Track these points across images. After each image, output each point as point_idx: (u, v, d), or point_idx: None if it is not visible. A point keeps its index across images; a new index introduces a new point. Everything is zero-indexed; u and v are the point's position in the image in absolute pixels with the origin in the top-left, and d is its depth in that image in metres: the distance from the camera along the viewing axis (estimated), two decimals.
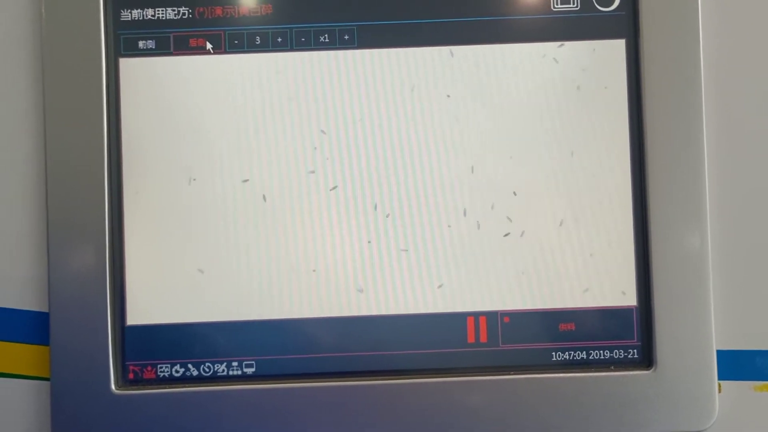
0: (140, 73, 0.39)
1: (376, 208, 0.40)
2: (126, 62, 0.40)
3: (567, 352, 0.40)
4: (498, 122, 0.40)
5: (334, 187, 0.40)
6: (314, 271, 0.39)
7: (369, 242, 0.39)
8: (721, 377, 0.40)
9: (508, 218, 0.40)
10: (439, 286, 0.39)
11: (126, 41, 0.40)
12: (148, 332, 0.39)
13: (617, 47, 0.40)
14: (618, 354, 0.40)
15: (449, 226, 0.40)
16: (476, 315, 0.40)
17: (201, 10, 0.40)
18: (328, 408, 0.39)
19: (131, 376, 0.39)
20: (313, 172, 0.40)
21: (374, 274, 0.39)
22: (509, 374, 0.39)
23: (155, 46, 0.40)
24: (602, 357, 0.40)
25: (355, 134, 0.40)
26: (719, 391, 0.40)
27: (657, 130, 0.39)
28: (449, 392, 0.39)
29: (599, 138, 0.40)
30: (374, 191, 0.40)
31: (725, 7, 0.41)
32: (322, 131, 0.40)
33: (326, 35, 0.40)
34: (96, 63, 0.39)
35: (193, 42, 0.40)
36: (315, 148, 0.40)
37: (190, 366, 0.39)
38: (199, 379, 0.39)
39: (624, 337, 0.40)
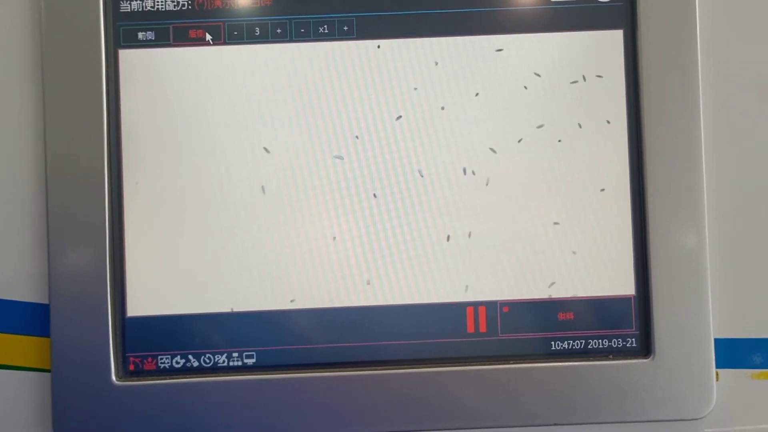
0: (140, 65, 0.39)
1: (376, 198, 0.40)
2: (125, 54, 0.40)
3: (566, 342, 0.40)
4: (496, 114, 0.40)
5: (332, 178, 0.40)
6: (315, 262, 0.39)
7: (369, 233, 0.40)
8: (718, 365, 0.40)
9: (507, 210, 0.40)
10: (439, 276, 0.40)
11: (125, 33, 0.40)
12: (149, 323, 0.39)
13: (615, 38, 0.40)
14: (616, 343, 0.40)
15: (448, 218, 0.40)
16: (475, 305, 0.40)
17: (200, 1, 0.40)
18: (329, 398, 0.39)
19: (132, 367, 0.39)
20: (313, 163, 0.40)
21: (374, 264, 0.40)
22: (508, 364, 0.39)
23: (155, 37, 0.40)
24: (601, 346, 0.40)
25: (357, 125, 0.40)
26: (717, 379, 0.40)
27: (655, 121, 0.39)
28: (448, 382, 0.39)
29: (597, 129, 0.40)
30: (375, 183, 0.40)
31: None
32: (322, 123, 0.40)
33: (325, 26, 0.40)
34: (95, 55, 0.39)
35: (192, 33, 0.40)
36: (314, 139, 0.40)
37: (190, 357, 0.39)
38: (200, 370, 0.39)
39: (622, 326, 0.40)
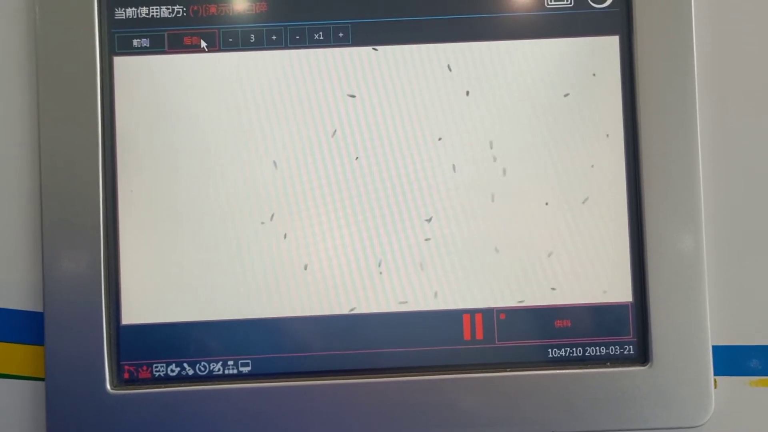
0: (135, 72, 0.39)
1: (372, 206, 0.40)
2: (120, 61, 0.39)
3: (563, 349, 0.40)
4: (493, 120, 0.40)
5: (332, 184, 0.40)
6: (310, 269, 0.39)
7: (371, 239, 0.39)
8: (716, 373, 0.40)
9: (504, 216, 0.40)
10: (435, 284, 0.40)
11: (120, 40, 0.40)
12: (144, 332, 0.39)
13: (611, 44, 0.40)
14: (614, 350, 0.40)
15: (445, 224, 0.40)
16: (472, 312, 0.40)
17: (195, 8, 0.40)
18: (325, 406, 0.39)
19: (126, 375, 0.39)
20: (309, 169, 0.40)
21: (371, 272, 0.39)
22: (505, 371, 0.39)
23: (150, 44, 0.40)
24: (598, 353, 0.40)
25: (351, 132, 0.40)
26: (715, 386, 0.40)
27: (651, 126, 0.39)
28: (446, 389, 0.39)
29: (594, 134, 0.40)
30: (369, 189, 0.40)
31: (718, 3, 0.41)
32: (317, 129, 0.40)
33: (321, 33, 0.40)
34: (90, 62, 0.39)
35: (187, 40, 0.40)
36: (310, 145, 0.40)
37: (185, 365, 0.39)
38: (195, 379, 0.39)
39: (620, 333, 0.40)
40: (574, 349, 0.40)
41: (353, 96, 0.40)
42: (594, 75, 0.40)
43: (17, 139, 0.40)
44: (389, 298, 0.39)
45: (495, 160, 0.40)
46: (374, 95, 0.40)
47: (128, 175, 0.39)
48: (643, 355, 0.40)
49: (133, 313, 0.39)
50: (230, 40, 0.40)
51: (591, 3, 0.40)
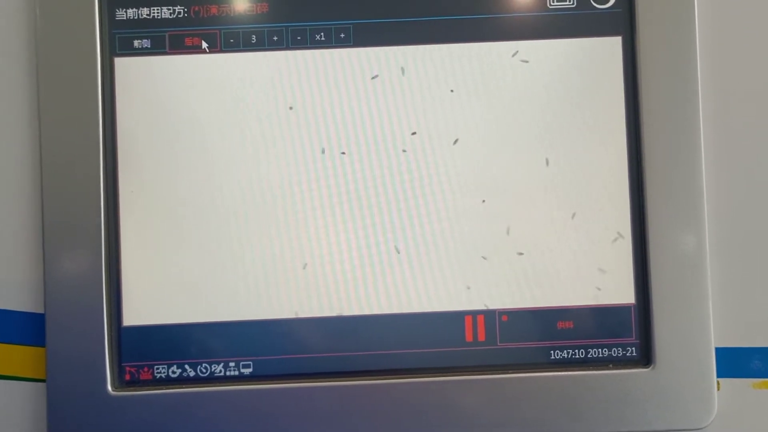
0: (136, 73, 0.39)
1: (372, 207, 0.39)
2: (121, 62, 0.39)
3: (565, 351, 0.40)
4: (496, 120, 0.40)
5: (331, 186, 0.39)
6: (311, 270, 0.39)
7: (369, 243, 0.39)
8: (719, 375, 0.40)
9: (506, 216, 0.40)
10: (437, 285, 0.39)
11: (121, 40, 0.39)
12: (145, 333, 0.39)
13: (614, 44, 0.40)
14: (616, 352, 0.40)
15: (446, 225, 0.39)
16: (474, 314, 0.39)
17: (196, 9, 0.39)
18: (327, 408, 0.39)
19: (128, 377, 0.39)
20: (309, 170, 0.39)
21: (371, 273, 0.39)
22: (507, 373, 0.39)
23: (150, 45, 0.39)
24: (601, 355, 0.40)
25: (354, 132, 0.39)
26: (718, 388, 0.40)
27: (654, 127, 0.39)
28: (447, 391, 0.39)
29: (596, 135, 0.40)
30: (371, 190, 0.39)
31: (721, 3, 0.41)
32: (319, 130, 0.40)
33: (322, 33, 0.40)
34: (91, 62, 0.39)
35: (188, 41, 0.39)
36: (311, 146, 0.39)
37: (186, 367, 0.39)
38: (196, 380, 0.39)
39: (622, 335, 0.40)
40: (577, 350, 0.40)
41: (352, 97, 0.40)
42: (596, 76, 0.40)
43: (18, 139, 0.40)
44: (391, 300, 0.39)
45: (496, 160, 0.40)
46: (378, 95, 0.39)
47: (129, 175, 0.39)
48: (645, 357, 0.39)
49: (134, 315, 0.39)
50: (231, 40, 0.39)
51: (593, 3, 0.40)
